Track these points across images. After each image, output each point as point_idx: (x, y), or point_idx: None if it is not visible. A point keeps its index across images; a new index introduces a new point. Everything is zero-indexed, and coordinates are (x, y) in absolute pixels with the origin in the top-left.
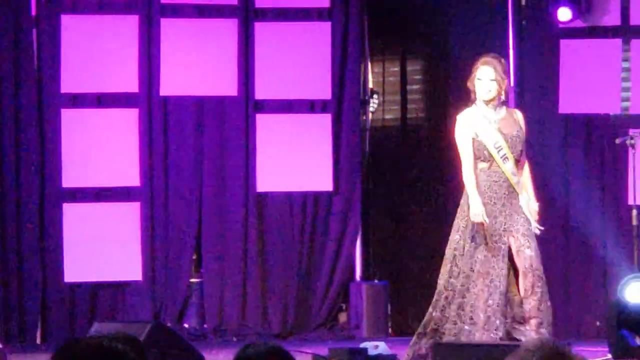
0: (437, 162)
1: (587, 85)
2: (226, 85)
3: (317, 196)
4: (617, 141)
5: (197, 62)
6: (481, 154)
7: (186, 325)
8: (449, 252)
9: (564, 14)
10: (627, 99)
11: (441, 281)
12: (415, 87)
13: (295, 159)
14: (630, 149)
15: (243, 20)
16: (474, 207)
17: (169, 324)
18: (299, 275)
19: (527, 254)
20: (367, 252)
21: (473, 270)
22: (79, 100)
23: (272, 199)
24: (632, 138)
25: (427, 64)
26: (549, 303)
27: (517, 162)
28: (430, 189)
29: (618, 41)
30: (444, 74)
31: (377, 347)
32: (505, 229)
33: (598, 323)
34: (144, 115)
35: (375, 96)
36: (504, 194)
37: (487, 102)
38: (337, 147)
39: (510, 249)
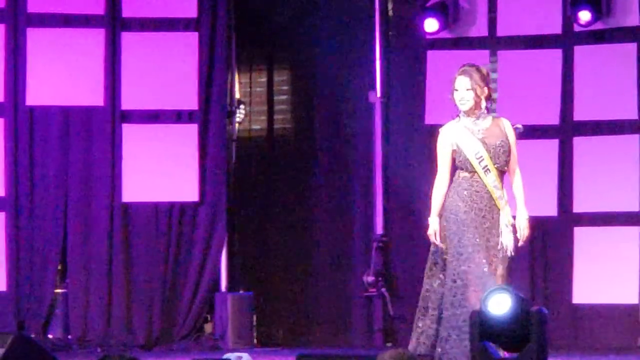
0: (303, 172)
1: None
2: (93, 95)
3: (183, 206)
4: None
5: (64, 72)
6: (464, 165)
7: (50, 336)
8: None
9: (430, 25)
10: (493, 110)
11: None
12: (281, 97)
13: (161, 169)
14: None
15: (110, 30)
16: (430, 225)
17: (33, 335)
18: (165, 286)
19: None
20: (232, 263)
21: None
22: None
23: (138, 209)
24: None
25: (293, 75)
26: None
27: (502, 174)
28: (297, 199)
29: (485, 52)
30: (311, 84)
31: (240, 357)
32: (480, 243)
33: None
34: (10, 124)
35: (242, 106)
36: (485, 205)
37: (467, 113)
38: (203, 157)
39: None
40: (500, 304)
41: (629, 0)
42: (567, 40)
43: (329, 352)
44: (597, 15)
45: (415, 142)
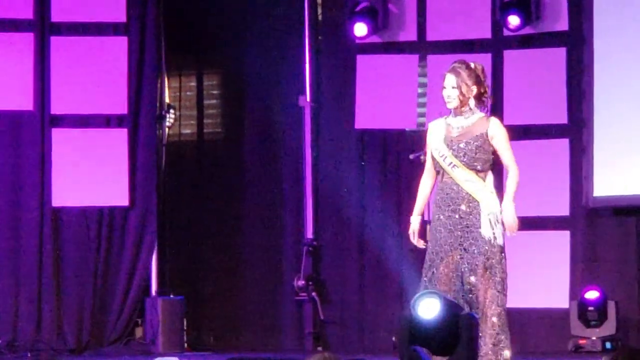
0: (233, 177)
1: (383, 101)
2: (22, 100)
3: (113, 211)
4: (411, 157)
5: None
6: (436, 165)
7: None
8: None
9: (360, 29)
10: (423, 115)
11: None
12: (211, 102)
13: (91, 174)
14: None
15: (39, 34)
16: (410, 225)
17: None
18: (95, 290)
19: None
20: (163, 267)
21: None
22: None
23: (68, 214)
24: (425, 153)
25: (223, 79)
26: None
27: (476, 171)
28: (227, 204)
29: (414, 57)
30: (241, 89)
31: None
32: (461, 243)
33: (394, 338)
34: None
35: (171, 111)
36: (459, 205)
37: (455, 111)
38: (133, 161)
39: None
40: (429, 308)
41: (558, 5)
42: (496, 44)
43: (259, 356)
44: (526, 20)
45: (346, 147)
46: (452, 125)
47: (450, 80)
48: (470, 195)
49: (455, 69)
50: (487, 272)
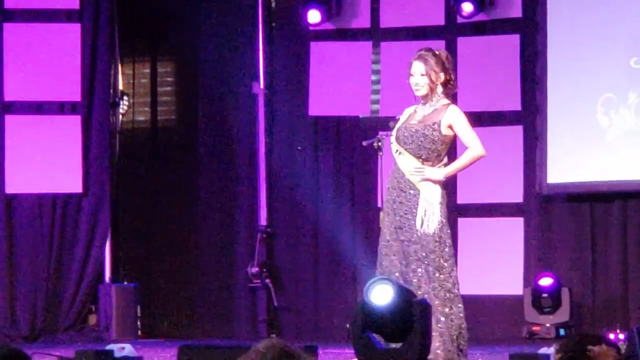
0: (187, 164)
1: (337, 88)
2: None
3: (66, 198)
4: (364, 143)
5: None
6: None
7: None
8: None
9: (313, 16)
10: (376, 102)
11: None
12: (165, 89)
13: (45, 161)
14: (378, 151)
15: None
16: None
17: None
18: (48, 278)
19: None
20: (116, 254)
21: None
22: None
23: (21, 201)
24: (379, 140)
25: (177, 67)
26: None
27: (422, 160)
28: (181, 191)
29: (368, 44)
30: (195, 76)
31: (123, 349)
32: (399, 227)
33: (347, 325)
34: None
35: (125, 98)
36: (404, 191)
37: (424, 99)
38: (87, 148)
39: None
40: (382, 295)
41: None
42: (450, 31)
43: (210, 342)
44: (479, 7)
45: (299, 134)
46: (417, 112)
47: (418, 67)
48: (412, 183)
49: (422, 56)
50: (422, 264)
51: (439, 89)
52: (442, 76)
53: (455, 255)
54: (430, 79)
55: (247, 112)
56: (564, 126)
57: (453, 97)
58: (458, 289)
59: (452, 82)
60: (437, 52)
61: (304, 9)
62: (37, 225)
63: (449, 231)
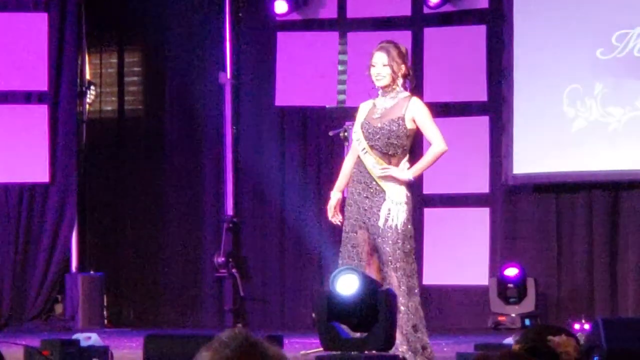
0: (154, 153)
1: (303, 78)
2: None
3: (33, 187)
4: (330, 133)
5: None
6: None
7: None
8: None
9: (280, 6)
10: (343, 92)
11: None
12: (132, 79)
13: (11, 150)
14: (344, 141)
15: None
16: (330, 200)
17: None
18: (15, 267)
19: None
20: (83, 244)
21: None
22: None
23: None
24: (345, 130)
25: (144, 56)
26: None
27: (388, 156)
28: (147, 180)
29: (335, 34)
30: (161, 66)
31: (89, 338)
32: (364, 221)
33: (313, 315)
34: None
35: (92, 87)
36: (369, 184)
37: (384, 90)
38: (54, 138)
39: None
40: (348, 284)
41: None
42: (416, 22)
43: (175, 332)
44: None
45: (266, 124)
46: (377, 106)
47: (381, 57)
48: (375, 181)
49: (384, 47)
50: (388, 257)
51: (400, 80)
52: (403, 68)
53: (421, 245)
54: (393, 70)
55: (213, 102)
56: (530, 117)
57: (418, 88)
58: (417, 282)
59: (411, 76)
60: (398, 45)
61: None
62: (3, 215)
63: (411, 227)
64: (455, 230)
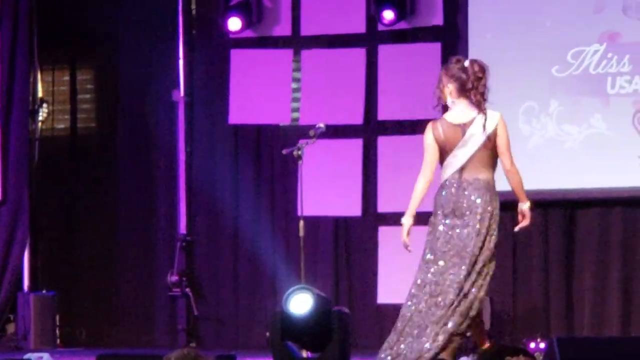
0: (107, 172)
1: (257, 96)
2: None
3: None
4: (284, 152)
5: None
6: None
7: None
8: None
9: (234, 24)
10: (297, 110)
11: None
12: (85, 96)
13: None
14: (297, 160)
15: None
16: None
17: None
18: None
19: None
20: (35, 263)
21: None
22: None
23: None
24: (299, 149)
25: (97, 74)
26: None
27: None
28: (100, 199)
29: (289, 52)
30: (115, 83)
31: (41, 358)
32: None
33: (267, 334)
34: None
35: (44, 105)
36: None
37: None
38: (5, 156)
39: None
40: (301, 304)
41: (433, 0)
42: (371, 39)
43: (127, 352)
44: (400, 15)
45: (219, 142)
46: None
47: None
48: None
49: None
50: None
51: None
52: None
53: (375, 264)
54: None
55: (167, 120)
56: None
57: (374, 105)
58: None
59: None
60: (446, 66)
61: (225, 17)
62: None
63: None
64: (412, 248)
